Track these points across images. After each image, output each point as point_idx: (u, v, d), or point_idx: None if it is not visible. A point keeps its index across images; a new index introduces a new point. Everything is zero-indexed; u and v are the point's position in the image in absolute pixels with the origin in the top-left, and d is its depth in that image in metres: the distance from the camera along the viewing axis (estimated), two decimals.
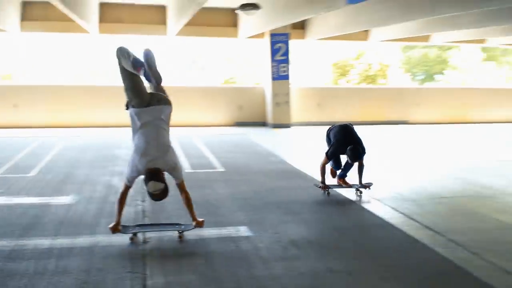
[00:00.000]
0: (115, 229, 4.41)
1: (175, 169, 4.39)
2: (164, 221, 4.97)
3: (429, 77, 33.79)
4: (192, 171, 7.86)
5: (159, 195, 4.21)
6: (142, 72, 4.22)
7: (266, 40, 14.72)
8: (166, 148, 4.34)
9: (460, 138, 12.96)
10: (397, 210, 5.67)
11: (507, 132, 14.42)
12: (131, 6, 13.63)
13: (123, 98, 4.43)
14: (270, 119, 14.95)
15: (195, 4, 8.57)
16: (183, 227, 4.61)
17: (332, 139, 6.37)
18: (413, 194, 6.43)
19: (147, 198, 5.93)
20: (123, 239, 4.48)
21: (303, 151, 10.27)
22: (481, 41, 16.01)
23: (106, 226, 4.60)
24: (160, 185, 4.15)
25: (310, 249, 4.38)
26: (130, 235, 4.49)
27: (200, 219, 4.56)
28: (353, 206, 5.84)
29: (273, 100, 14.79)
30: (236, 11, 9.42)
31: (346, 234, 4.82)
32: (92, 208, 5.61)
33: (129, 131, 4.48)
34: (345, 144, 6.08)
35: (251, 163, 8.69)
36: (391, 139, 12.51)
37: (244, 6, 9.28)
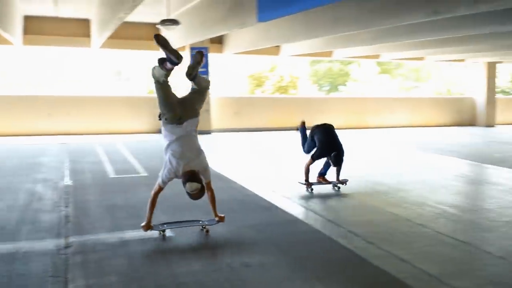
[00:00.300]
0: (148, 227, 4.48)
1: (206, 170, 4.52)
2: (98, 223, 4.75)
3: (334, 88, 35.06)
4: (116, 176, 7.59)
5: (197, 194, 4.30)
6: (168, 64, 4.28)
7: (187, 54, 14.58)
8: (199, 151, 4.48)
9: (359, 141, 13.51)
10: (306, 207, 5.79)
11: (398, 135, 15.24)
12: (55, 19, 13.01)
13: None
14: None
15: (117, 19, 8.30)
16: (206, 222, 4.76)
17: (316, 142, 6.59)
18: (320, 192, 6.59)
19: (70, 204, 5.67)
20: (45, 244, 4.22)
21: (223, 155, 10.25)
22: (376, 56, 16.81)
23: (27, 233, 4.31)
24: (198, 185, 4.25)
25: (226, 246, 4.35)
26: (158, 231, 4.56)
27: (221, 215, 4.73)
28: (267, 205, 5.89)
29: None
30: (157, 26, 9.22)
31: (260, 230, 4.84)
32: (13, 216, 5.24)
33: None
34: (329, 148, 6.44)
35: None
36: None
37: (164, 22, 9.13)
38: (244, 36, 12.78)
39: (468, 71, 20.33)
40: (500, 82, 30.52)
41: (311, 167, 6.61)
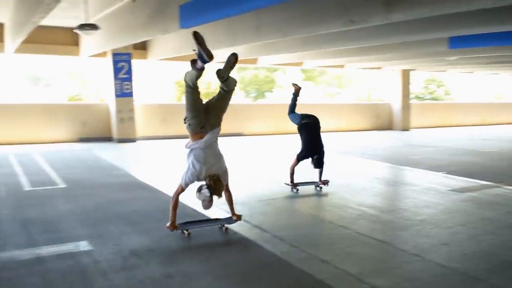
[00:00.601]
0: (173, 227, 4.78)
1: (225, 173, 4.84)
2: (10, 240, 4.42)
3: (260, 94, 35.53)
4: (32, 188, 7.17)
5: (208, 203, 4.71)
6: (199, 63, 4.47)
7: (109, 59, 14.14)
8: (220, 156, 4.84)
9: (288, 146, 13.75)
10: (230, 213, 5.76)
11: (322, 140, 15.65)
12: None
13: None
14: (115, 134, 14.36)
15: (31, 23, 7.88)
16: (225, 221, 5.08)
17: (302, 141, 7.09)
18: (245, 198, 6.61)
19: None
20: None
21: (147, 164, 10.01)
22: (299, 63, 17.24)
23: None
24: (222, 187, 4.69)
25: (150, 257, 4.22)
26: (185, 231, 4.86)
27: (239, 214, 5.10)
28: (192, 213, 5.80)
29: (117, 116, 14.24)
30: (75, 31, 8.84)
31: (184, 240, 4.75)
32: None
33: None
34: (313, 149, 6.98)
35: (94, 177, 8.21)
36: (227, 151, 12.77)
37: (83, 26, 8.76)
38: (168, 43, 12.61)
39: (385, 78, 21.40)
40: (414, 88, 32.42)
41: (296, 168, 6.97)
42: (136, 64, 14.74)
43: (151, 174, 8.50)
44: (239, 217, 5.06)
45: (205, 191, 4.62)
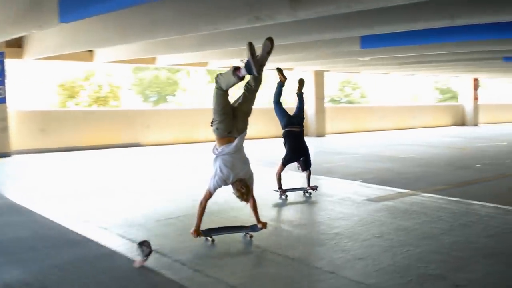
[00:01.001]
0: (197, 233, 5.20)
1: (251, 177, 5.34)
2: None
3: (162, 98, 35.09)
4: None
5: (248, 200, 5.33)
6: (243, 72, 4.79)
7: None
8: (247, 161, 5.33)
9: (189, 157, 13.68)
10: (125, 237, 5.60)
11: None
12: None
13: None
14: None
15: None
16: (250, 229, 5.46)
17: (286, 147, 7.75)
18: (141, 218, 6.46)
19: None
20: None
21: (23, 183, 9.46)
22: (204, 64, 17.27)
23: None
24: (251, 192, 5.30)
25: None
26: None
27: (264, 221, 5.45)
28: (77, 239, 5.56)
29: None
30: None
31: (70, 270, 4.53)
32: None
33: None
34: (297, 152, 7.67)
35: None
36: (122, 163, 12.47)
37: None
38: (48, 39, 12.03)
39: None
40: (329, 91, 33.72)
41: (282, 173, 7.52)
42: (10, 64, 13.91)
43: (27, 194, 8.04)
44: (264, 225, 5.44)
45: (143, 251, 4.53)
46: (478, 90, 28.29)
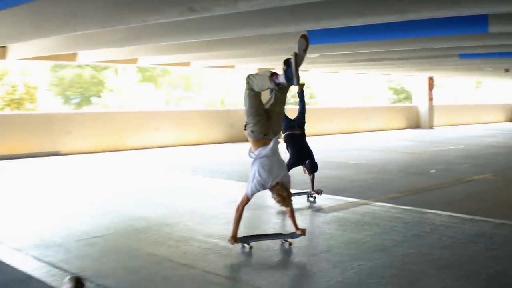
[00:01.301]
0: (235, 240, 5.57)
1: (288, 181, 5.65)
2: None
3: (86, 100, 34.35)
4: None
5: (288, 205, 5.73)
6: (281, 79, 5.29)
7: None
8: (283, 164, 5.68)
9: (117, 167, 13.43)
10: (41, 260, 5.44)
11: (165, 157, 15.66)
12: None
13: None
14: None
15: None
16: (288, 236, 5.84)
17: (289, 151, 8.15)
18: (59, 238, 6.28)
19: None
20: None
21: None
22: (133, 60, 17.01)
23: None
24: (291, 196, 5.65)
25: None
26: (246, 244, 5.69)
27: (302, 228, 5.80)
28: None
29: None
30: None
31: None
32: None
33: None
34: (301, 155, 8.18)
35: None
36: (38, 175, 12.09)
37: None
38: None
39: (241, 78, 22.15)
40: None
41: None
42: None
43: None
44: (303, 231, 5.74)
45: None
46: (433, 90, 29.18)
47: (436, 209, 7.63)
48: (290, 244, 5.81)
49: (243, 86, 5.56)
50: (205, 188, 9.98)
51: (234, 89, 33.11)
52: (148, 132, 18.35)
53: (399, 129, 27.70)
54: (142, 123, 18.45)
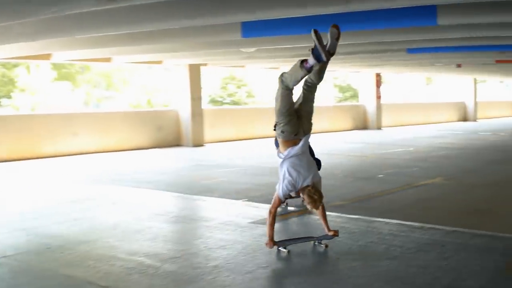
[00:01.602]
0: (273, 243, 5.94)
1: (319, 182, 5.94)
2: None
3: None
4: None
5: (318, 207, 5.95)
6: (311, 62, 5.57)
7: None
8: (313, 165, 6.00)
9: (29, 177, 13.08)
10: None
11: (83, 165, 15.37)
12: None
13: None
14: None
15: None
16: (321, 238, 6.25)
17: None
18: None
19: None
20: None
21: None
22: (46, 56, 16.62)
23: None
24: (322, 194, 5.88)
25: None
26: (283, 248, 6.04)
27: (335, 229, 6.24)
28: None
29: None
30: None
31: None
32: None
33: None
34: None
35: None
36: None
37: None
38: None
39: (170, 75, 21.97)
40: (209, 89, 33.99)
41: None
42: None
43: None
44: (336, 233, 6.16)
45: None
46: (381, 88, 29.83)
47: (384, 217, 7.79)
48: (326, 246, 6.21)
49: (275, 86, 5.89)
50: (128, 200, 9.84)
51: (162, 88, 32.84)
52: (65, 137, 17.95)
53: (346, 130, 28.21)
54: (58, 127, 18.03)
